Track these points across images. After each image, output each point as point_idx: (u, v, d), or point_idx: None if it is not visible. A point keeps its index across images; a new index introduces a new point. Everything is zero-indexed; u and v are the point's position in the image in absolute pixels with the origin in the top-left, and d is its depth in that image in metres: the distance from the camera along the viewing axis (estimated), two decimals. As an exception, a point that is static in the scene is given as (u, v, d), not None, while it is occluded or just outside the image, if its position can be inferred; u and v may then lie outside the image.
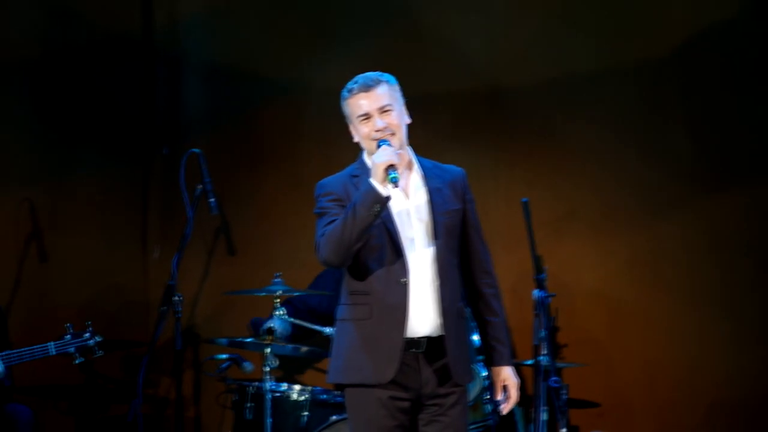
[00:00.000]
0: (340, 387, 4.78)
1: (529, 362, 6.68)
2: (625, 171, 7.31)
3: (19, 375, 6.70)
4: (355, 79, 4.76)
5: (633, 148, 7.30)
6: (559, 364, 6.91)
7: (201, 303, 7.59)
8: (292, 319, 6.59)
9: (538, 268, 6.46)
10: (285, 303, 6.62)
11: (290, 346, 6.67)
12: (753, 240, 7.16)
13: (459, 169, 4.89)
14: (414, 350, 4.66)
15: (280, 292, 6.55)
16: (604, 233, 7.34)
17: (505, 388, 4.82)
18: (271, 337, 6.60)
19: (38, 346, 6.42)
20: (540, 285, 6.47)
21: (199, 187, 7.06)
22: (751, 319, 7.15)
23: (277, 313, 6.51)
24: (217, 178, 7.13)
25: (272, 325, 6.67)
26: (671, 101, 7.26)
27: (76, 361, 6.48)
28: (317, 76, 7.44)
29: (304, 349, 6.73)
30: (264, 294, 6.61)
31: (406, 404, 4.67)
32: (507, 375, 4.82)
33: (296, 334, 6.91)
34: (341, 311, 4.75)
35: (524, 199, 6.39)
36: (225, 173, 7.45)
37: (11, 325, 6.83)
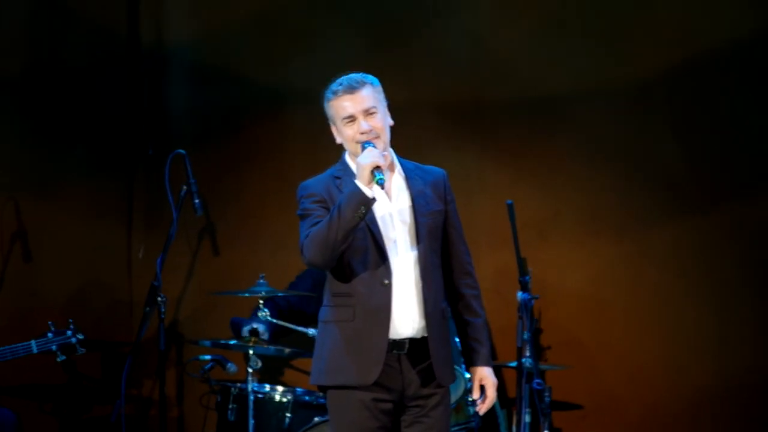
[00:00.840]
0: (322, 389, 4.78)
1: (513, 364, 6.68)
2: (612, 173, 7.32)
3: (2, 375, 6.69)
4: (339, 80, 4.75)
5: (620, 151, 7.30)
6: (543, 366, 6.92)
7: (185, 303, 7.58)
8: (274, 320, 6.59)
9: (523, 270, 6.46)
10: (267, 302, 6.62)
11: (274, 347, 6.66)
12: (740, 242, 7.17)
13: (440, 170, 4.89)
14: (397, 351, 4.66)
15: (264, 293, 6.54)
16: (590, 235, 7.34)
17: (482, 388, 4.81)
18: (254, 339, 6.60)
19: (20, 344, 6.40)
20: (524, 287, 6.48)
21: (184, 187, 7.06)
22: (736, 321, 7.16)
23: (259, 314, 6.51)
24: (202, 179, 7.12)
25: (254, 325, 6.67)
26: (660, 107, 7.27)
27: (59, 359, 6.47)
28: (302, 77, 7.43)
29: (288, 350, 6.73)
30: (248, 295, 6.61)
31: (388, 405, 4.68)
32: (485, 375, 4.81)
33: (278, 334, 6.91)
34: (324, 313, 4.75)
35: (509, 202, 6.39)
36: (210, 174, 7.45)
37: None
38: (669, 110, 7.27)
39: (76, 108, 7.53)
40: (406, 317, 4.67)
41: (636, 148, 7.30)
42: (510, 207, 6.38)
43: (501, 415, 6.95)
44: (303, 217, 4.72)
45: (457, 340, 4.97)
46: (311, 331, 6.40)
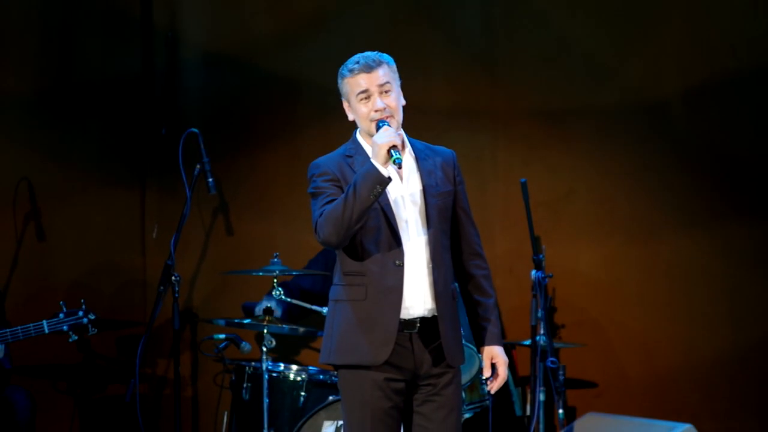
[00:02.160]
0: (334, 367, 4.78)
1: (527, 342, 6.69)
2: (625, 152, 7.32)
3: (17, 355, 6.71)
4: (356, 58, 4.72)
5: (633, 130, 7.30)
6: (557, 345, 6.92)
7: (199, 283, 7.59)
8: (288, 299, 6.59)
9: (536, 249, 6.47)
10: (280, 284, 6.62)
11: (288, 326, 6.67)
12: (752, 221, 7.18)
13: (449, 150, 4.87)
14: (408, 331, 4.65)
15: (278, 272, 6.55)
16: (602, 215, 7.35)
17: (493, 367, 4.81)
18: (268, 317, 6.61)
19: (32, 324, 6.42)
20: (538, 265, 6.49)
21: (198, 166, 7.05)
22: (747, 298, 7.18)
23: (274, 292, 6.51)
24: (215, 158, 7.12)
25: (268, 304, 6.67)
26: (673, 89, 7.27)
27: (71, 339, 6.49)
28: (315, 58, 7.42)
29: (302, 329, 6.73)
30: (262, 274, 6.61)
31: (400, 385, 4.67)
32: (496, 353, 4.79)
33: (291, 314, 6.92)
34: (336, 292, 4.74)
35: (522, 180, 6.40)
36: (223, 153, 7.45)
37: (9, 304, 6.84)
38: (682, 91, 7.26)
39: (90, 87, 7.53)
40: (418, 297, 4.66)
41: (649, 126, 7.29)
42: (523, 185, 6.38)
43: (515, 393, 6.96)
44: (315, 195, 4.70)
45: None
46: (325, 309, 6.40)
